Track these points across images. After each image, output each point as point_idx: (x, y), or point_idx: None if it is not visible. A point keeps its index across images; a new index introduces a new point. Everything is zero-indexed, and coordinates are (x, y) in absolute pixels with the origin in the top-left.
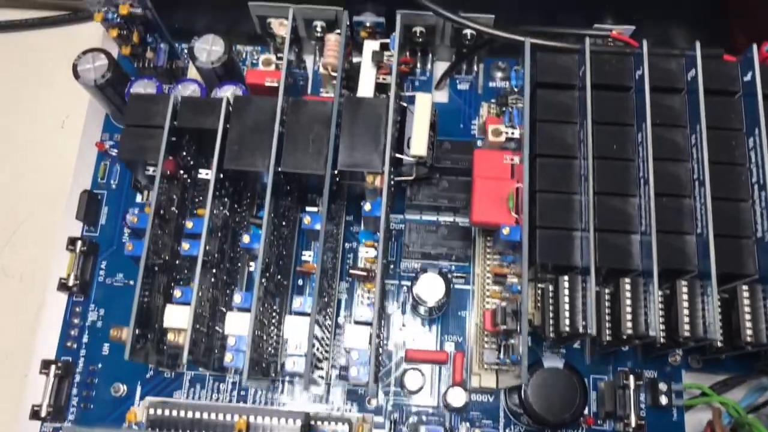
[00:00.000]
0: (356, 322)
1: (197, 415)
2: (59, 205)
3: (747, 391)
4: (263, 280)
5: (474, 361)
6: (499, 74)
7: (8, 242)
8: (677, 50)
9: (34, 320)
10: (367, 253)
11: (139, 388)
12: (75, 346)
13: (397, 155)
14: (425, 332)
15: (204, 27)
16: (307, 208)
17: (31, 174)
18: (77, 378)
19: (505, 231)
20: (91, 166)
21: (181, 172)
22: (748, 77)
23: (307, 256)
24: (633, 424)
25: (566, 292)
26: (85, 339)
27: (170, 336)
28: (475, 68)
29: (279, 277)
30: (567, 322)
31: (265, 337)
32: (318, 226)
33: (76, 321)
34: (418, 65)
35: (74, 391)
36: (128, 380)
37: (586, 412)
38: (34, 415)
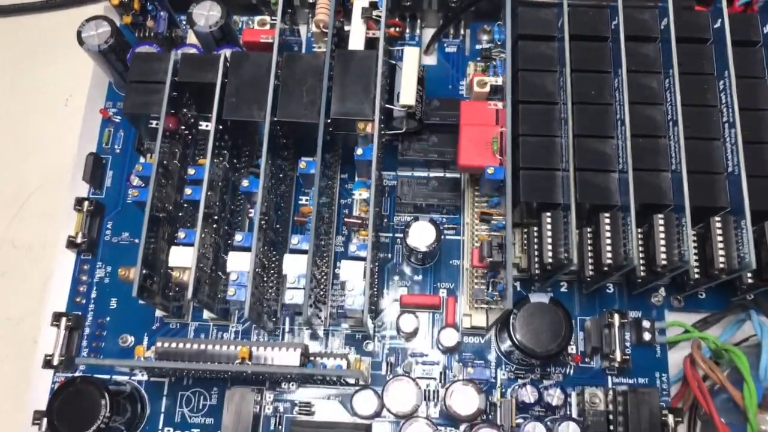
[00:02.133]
0: (350, 257)
1: (202, 347)
2: (65, 176)
3: (725, 327)
4: (263, 222)
5: (464, 302)
6: (485, 37)
7: (15, 216)
8: (651, 2)
9: (45, 281)
10: (360, 195)
11: (146, 339)
12: (84, 301)
13: (387, 105)
14: (419, 282)
15: None
16: (303, 158)
17: (36, 151)
18: (87, 330)
19: (490, 171)
20: (96, 132)
21: (183, 128)
22: (717, 25)
23: (304, 200)
24: (618, 359)
25: (549, 227)
26: (93, 294)
27: (175, 274)
28: (462, 32)
29: (278, 226)
30: (550, 254)
31: (265, 279)
32: (313, 171)
33: (84, 278)
34: (408, 30)
35: (84, 342)
36: (135, 331)
37: (573, 351)
38: (47, 364)
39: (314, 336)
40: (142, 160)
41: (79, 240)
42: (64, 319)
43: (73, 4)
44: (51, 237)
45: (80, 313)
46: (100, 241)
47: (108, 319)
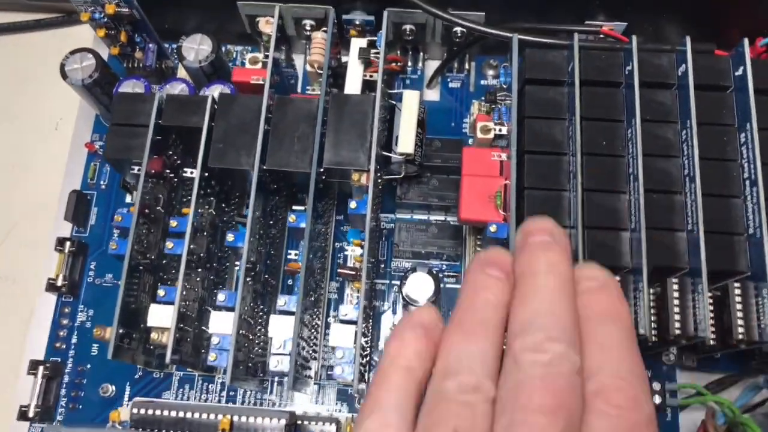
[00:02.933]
0: (341, 321)
1: (181, 414)
2: (50, 207)
3: (742, 390)
4: (249, 279)
5: None
6: (490, 72)
7: (1, 244)
8: (668, 46)
9: (25, 322)
10: (354, 251)
11: (128, 389)
12: (64, 346)
13: (384, 153)
14: None
15: (193, 27)
16: (295, 207)
17: (24, 177)
18: (66, 378)
19: (492, 228)
20: (81, 166)
21: (168, 171)
22: (739, 72)
23: (293, 255)
24: None
25: None
26: (74, 339)
27: (154, 335)
28: (467, 66)
29: (267, 276)
30: None
31: (251, 337)
32: (303, 225)
33: (65, 321)
34: (410, 64)
35: (63, 391)
36: (117, 381)
37: None
38: (22, 415)
39: (303, 383)
40: (128, 197)
41: (59, 283)
42: (41, 368)
43: (64, 24)
44: (34, 275)
45: (59, 360)
46: (82, 283)
47: (88, 366)
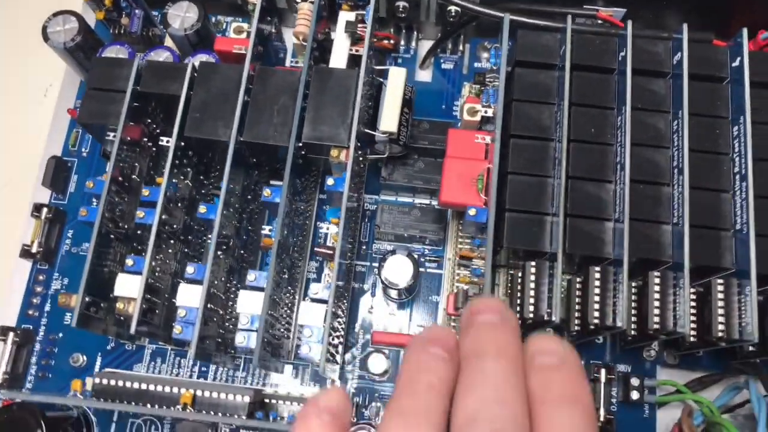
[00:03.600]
0: (312, 300)
1: (144, 386)
2: (32, 172)
3: (723, 389)
4: (220, 253)
5: None
6: (485, 55)
7: None
8: (665, 33)
9: None
10: (331, 230)
11: (99, 360)
12: (36, 314)
13: (366, 130)
14: (395, 316)
15: None
16: (272, 182)
17: (10, 143)
18: (37, 347)
19: (471, 212)
20: (64, 133)
21: (146, 140)
22: (736, 63)
23: (268, 230)
24: (601, 419)
25: (532, 278)
26: (47, 307)
27: (120, 305)
28: (461, 48)
29: (243, 252)
30: (531, 309)
31: (221, 312)
32: (278, 199)
33: (39, 289)
34: (403, 42)
35: (33, 359)
36: (89, 351)
37: None
38: None
39: (277, 370)
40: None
41: (34, 249)
42: (11, 334)
43: None
44: (11, 241)
45: (31, 327)
46: (58, 251)
47: (60, 335)
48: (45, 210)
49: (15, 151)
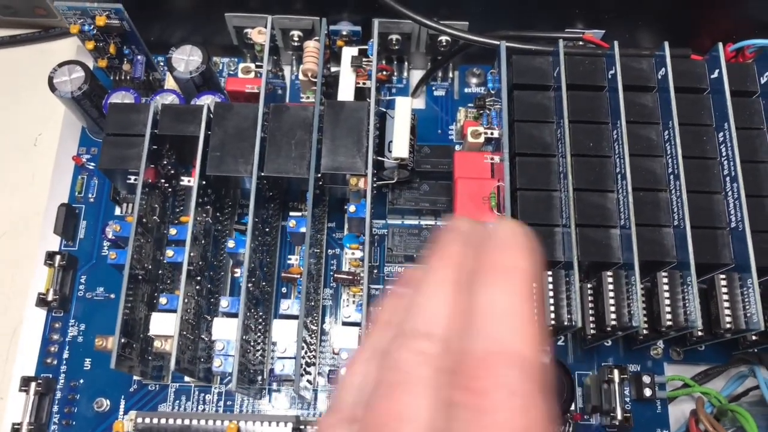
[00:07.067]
0: (344, 323)
1: (186, 422)
2: (34, 222)
3: (727, 380)
4: (249, 285)
5: None
6: (474, 80)
7: None
8: (647, 51)
9: (12, 339)
10: (353, 254)
11: (122, 402)
12: (55, 362)
13: (380, 158)
14: None
15: (180, 39)
16: (291, 214)
17: (3, 193)
18: (58, 395)
19: None
20: (68, 180)
21: (162, 181)
22: (715, 75)
23: (293, 260)
24: (619, 417)
25: (550, 286)
26: (65, 354)
27: (157, 343)
28: (451, 75)
29: (264, 284)
30: (552, 315)
31: (252, 343)
32: (303, 229)
33: (55, 337)
34: (395, 73)
35: (55, 408)
36: (111, 395)
37: (573, 407)
38: None
39: (301, 397)
40: (117, 210)
41: (50, 297)
42: (33, 384)
43: (42, 40)
44: (20, 291)
45: (51, 376)
46: (72, 297)
47: (81, 381)
48: (58, 257)
49: (10, 201)
